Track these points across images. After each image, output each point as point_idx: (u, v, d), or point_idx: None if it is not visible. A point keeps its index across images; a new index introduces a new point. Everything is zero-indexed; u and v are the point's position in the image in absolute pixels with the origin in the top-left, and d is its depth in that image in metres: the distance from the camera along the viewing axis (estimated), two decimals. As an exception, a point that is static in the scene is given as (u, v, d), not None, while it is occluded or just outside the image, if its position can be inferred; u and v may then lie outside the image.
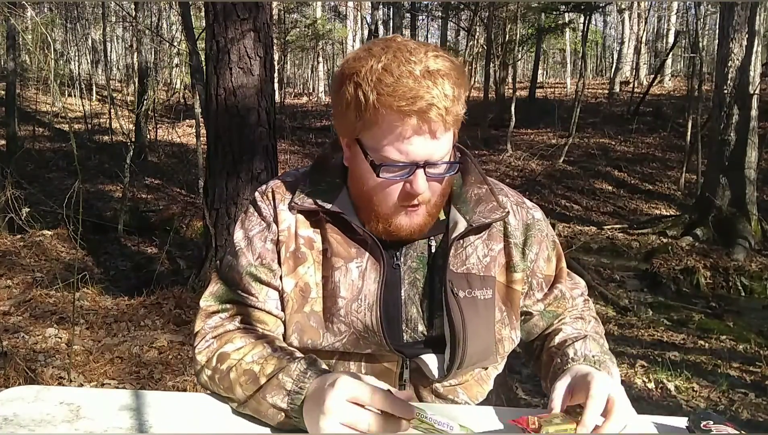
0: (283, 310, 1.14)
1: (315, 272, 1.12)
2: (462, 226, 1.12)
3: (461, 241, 1.14)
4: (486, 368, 1.21)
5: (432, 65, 1.00)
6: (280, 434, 1.01)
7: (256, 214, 1.17)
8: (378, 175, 1.04)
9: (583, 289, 1.30)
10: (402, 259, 1.14)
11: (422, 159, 1.03)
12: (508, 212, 1.16)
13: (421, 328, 1.14)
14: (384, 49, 1.03)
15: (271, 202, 1.16)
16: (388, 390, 0.91)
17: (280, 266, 1.13)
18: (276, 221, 1.15)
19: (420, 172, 1.03)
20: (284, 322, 1.14)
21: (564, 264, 1.26)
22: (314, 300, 1.12)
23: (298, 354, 1.07)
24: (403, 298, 1.13)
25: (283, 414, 0.98)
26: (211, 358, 1.10)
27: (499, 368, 1.26)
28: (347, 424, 0.88)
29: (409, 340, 1.14)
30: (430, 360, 1.14)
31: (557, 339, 1.20)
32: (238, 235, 1.17)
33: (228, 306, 1.15)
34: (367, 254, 1.12)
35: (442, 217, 1.15)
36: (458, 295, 1.11)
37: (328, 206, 1.11)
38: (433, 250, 1.15)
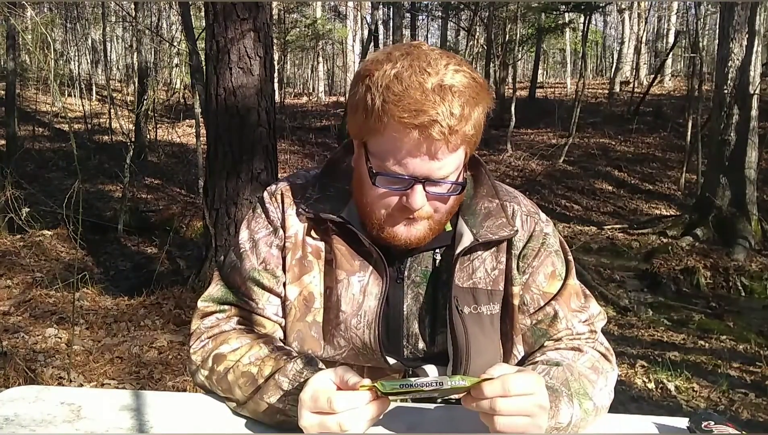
0: (284, 317, 1.13)
1: (319, 282, 1.11)
2: (468, 240, 1.09)
3: (469, 255, 1.11)
4: None
5: (447, 80, 0.96)
6: (280, 434, 1.01)
7: (263, 215, 1.15)
8: (374, 184, 1.02)
9: (592, 316, 1.16)
10: (406, 272, 1.12)
11: (422, 175, 0.99)
12: (517, 231, 1.12)
13: (421, 344, 1.12)
14: (404, 55, 0.99)
15: (280, 205, 1.14)
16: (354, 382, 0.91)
17: (285, 273, 1.12)
18: (283, 227, 1.13)
19: (418, 187, 1.00)
20: (285, 330, 1.13)
21: (572, 287, 1.15)
22: (317, 310, 1.11)
23: (295, 353, 1.06)
24: (405, 313, 1.12)
25: (281, 414, 0.99)
26: (206, 359, 1.09)
27: None
28: (322, 431, 0.90)
29: (409, 355, 1.13)
30: (432, 372, 1.13)
31: (531, 358, 1.12)
32: (244, 235, 1.16)
33: (226, 307, 1.14)
34: (371, 268, 1.10)
35: (449, 228, 1.12)
36: (463, 311, 1.08)
37: (336, 216, 1.10)
38: (438, 264, 1.12)
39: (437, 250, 1.12)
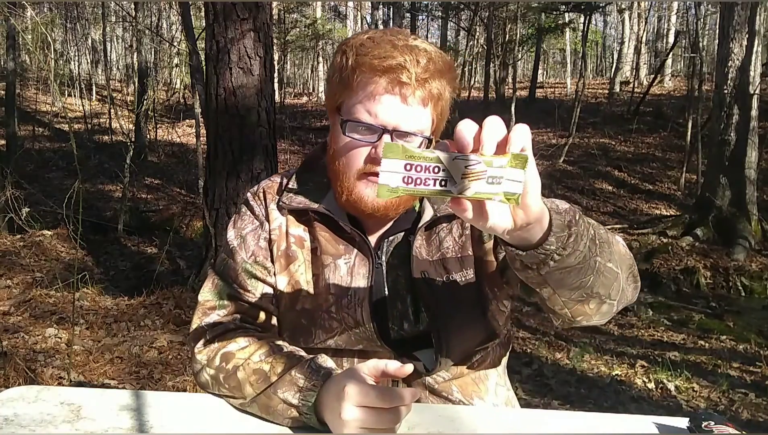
0: (276, 306, 1.16)
1: (306, 271, 1.14)
2: (428, 215, 1.13)
3: (434, 228, 1.15)
4: (485, 354, 1.19)
5: (415, 43, 1.04)
6: (283, 434, 1.01)
7: (249, 213, 1.19)
8: (344, 134, 1.06)
9: None
10: (383, 257, 1.15)
11: (391, 124, 1.03)
12: None
13: (406, 324, 1.14)
14: (379, 29, 1.10)
15: (263, 201, 1.19)
16: (391, 378, 0.92)
17: (273, 264, 1.15)
18: (268, 220, 1.17)
19: (387, 137, 1.04)
20: (278, 319, 1.16)
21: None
22: (305, 298, 1.13)
23: (302, 353, 1.07)
24: (387, 295, 1.14)
25: (293, 410, 0.99)
26: (213, 358, 1.10)
27: (499, 369, 1.25)
28: (371, 426, 0.90)
29: (396, 337, 1.14)
30: (423, 355, 1.14)
31: None
32: (231, 234, 1.19)
33: (226, 302, 1.16)
34: (356, 251, 1.13)
35: (417, 208, 1.17)
36: (435, 282, 1.12)
37: (316, 206, 1.13)
38: (411, 244, 1.15)
39: (411, 234, 1.15)
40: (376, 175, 1.00)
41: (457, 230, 1.15)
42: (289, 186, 1.18)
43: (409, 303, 1.14)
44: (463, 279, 1.13)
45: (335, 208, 1.13)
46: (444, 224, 1.15)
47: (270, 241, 1.16)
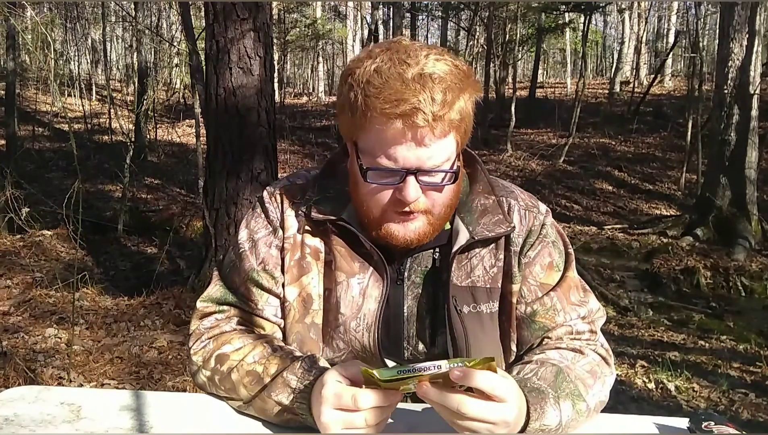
0: (283, 318, 1.12)
1: (318, 284, 1.10)
2: (464, 238, 1.08)
3: (466, 253, 1.10)
4: None
5: (427, 68, 0.95)
6: (282, 433, 1.01)
7: (263, 215, 1.15)
8: (366, 180, 1.01)
9: (591, 313, 1.13)
10: (406, 273, 1.11)
11: (413, 166, 0.98)
12: (514, 227, 1.11)
13: (421, 346, 1.11)
14: (384, 50, 0.99)
15: (279, 205, 1.14)
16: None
17: (283, 274, 1.11)
18: (282, 227, 1.12)
19: (411, 179, 0.98)
20: (284, 331, 1.13)
21: (572, 280, 1.13)
22: (315, 312, 1.10)
23: (298, 353, 1.06)
24: (405, 314, 1.11)
25: (288, 412, 0.98)
26: (208, 359, 1.09)
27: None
28: (347, 427, 0.89)
29: (409, 356, 1.12)
30: None
31: (529, 355, 1.10)
32: (243, 234, 1.15)
33: (225, 308, 1.14)
34: (371, 269, 1.09)
35: (447, 226, 1.11)
36: (462, 311, 1.08)
37: (336, 217, 1.09)
38: (437, 263, 1.11)
39: (436, 249, 1.11)
40: (403, 214, 1.02)
41: (489, 260, 1.11)
42: (310, 192, 1.13)
43: (427, 325, 1.11)
44: (489, 311, 1.10)
45: (356, 221, 1.09)
46: (477, 250, 1.10)
47: (282, 250, 1.11)
